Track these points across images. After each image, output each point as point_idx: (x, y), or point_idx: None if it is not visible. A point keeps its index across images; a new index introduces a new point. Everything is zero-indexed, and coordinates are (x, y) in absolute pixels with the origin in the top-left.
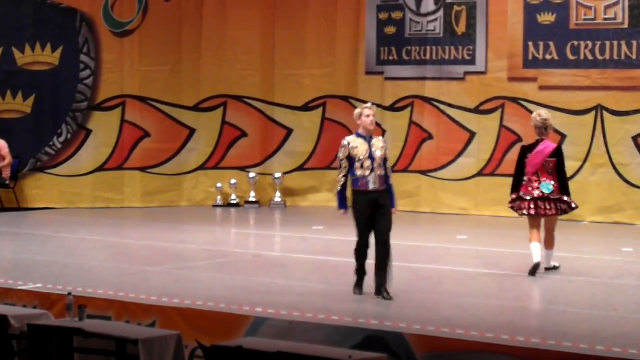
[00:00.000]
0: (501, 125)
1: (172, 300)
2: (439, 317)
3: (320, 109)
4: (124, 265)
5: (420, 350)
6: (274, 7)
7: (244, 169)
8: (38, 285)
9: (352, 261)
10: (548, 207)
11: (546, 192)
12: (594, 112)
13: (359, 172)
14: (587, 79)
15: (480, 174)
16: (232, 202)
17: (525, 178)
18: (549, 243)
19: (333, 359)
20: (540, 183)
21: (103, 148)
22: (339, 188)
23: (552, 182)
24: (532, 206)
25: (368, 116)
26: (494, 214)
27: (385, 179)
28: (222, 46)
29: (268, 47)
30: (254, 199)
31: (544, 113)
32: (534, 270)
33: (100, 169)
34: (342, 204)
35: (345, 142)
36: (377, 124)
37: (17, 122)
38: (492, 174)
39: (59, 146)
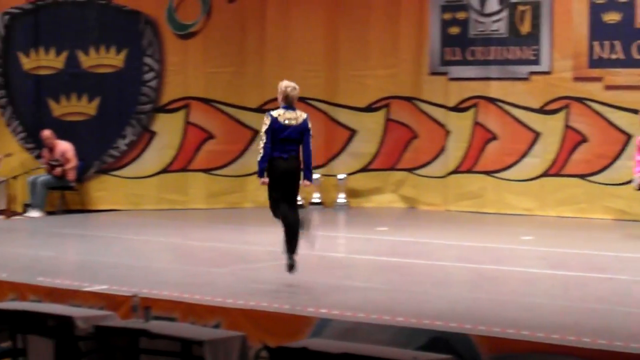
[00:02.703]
0: (566, 126)
1: (237, 302)
2: (504, 317)
3: (384, 109)
4: (188, 267)
5: (485, 352)
6: (338, 7)
7: None
8: (104, 287)
9: (416, 262)
10: None
11: None
12: None
13: None
14: None
15: (545, 174)
16: None
17: None
18: None
19: None
20: None
21: (167, 150)
22: None
23: None
24: None
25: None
26: (559, 214)
27: None
28: (286, 47)
29: (331, 48)
30: (318, 200)
31: None
32: None
33: (165, 170)
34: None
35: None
36: (441, 124)
37: (82, 124)
38: (557, 174)
39: (124, 148)
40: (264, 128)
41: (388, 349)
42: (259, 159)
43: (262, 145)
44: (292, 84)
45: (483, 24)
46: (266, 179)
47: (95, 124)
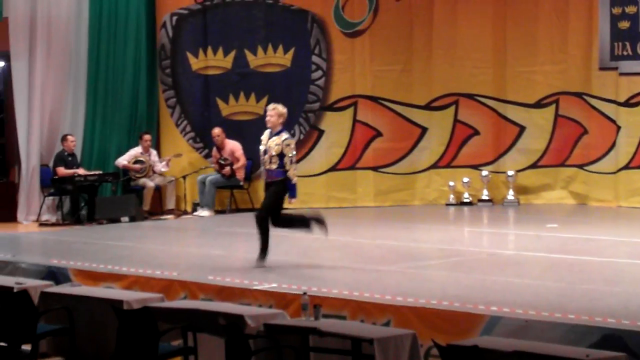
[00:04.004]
0: None
1: (407, 299)
2: None
3: (553, 105)
4: (357, 265)
5: None
6: (505, 3)
7: (476, 167)
8: (273, 285)
9: (587, 259)
10: None
11: None
12: None
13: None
14: None
15: None
16: (465, 200)
17: None
18: None
19: (570, 358)
20: None
21: (335, 148)
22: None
23: None
24: None
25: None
26: None
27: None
28: (453, 44)
29: (499, 44)
30: (486, 197)
31: None
32: None
33: (333, 169)
34: None
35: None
36: (612, 120)
37: (250, 123)
38: None
39: None
40: (294, 153)
41: (560, 347)
42: (295, 182)
43: (295, 167)
44: None
45: None
46: None
47: (263, 124)
